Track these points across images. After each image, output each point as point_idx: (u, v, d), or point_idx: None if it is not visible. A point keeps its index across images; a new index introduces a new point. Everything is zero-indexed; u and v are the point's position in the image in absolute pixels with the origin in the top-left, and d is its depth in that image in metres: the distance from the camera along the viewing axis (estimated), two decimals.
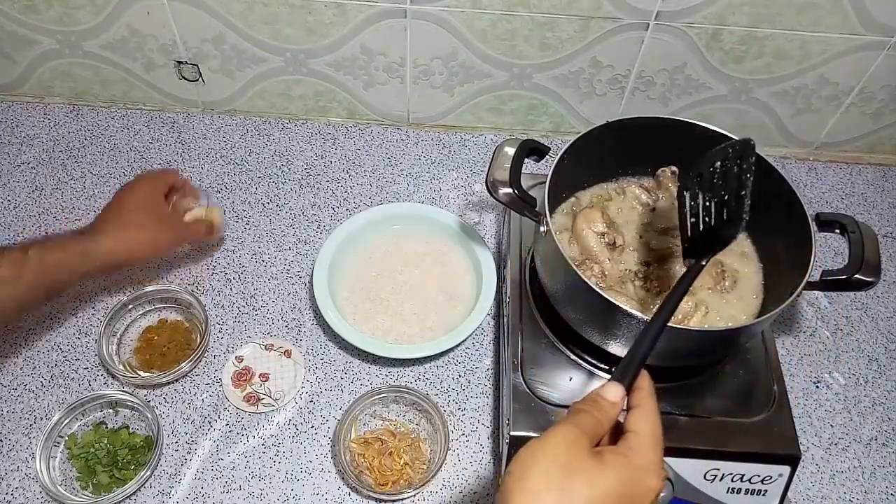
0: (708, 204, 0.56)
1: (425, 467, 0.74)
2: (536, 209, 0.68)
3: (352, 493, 0.73)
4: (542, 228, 0.66)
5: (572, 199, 0.77)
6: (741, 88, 0.98)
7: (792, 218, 0.66)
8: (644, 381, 0.46)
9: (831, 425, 0.81)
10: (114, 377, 0.80)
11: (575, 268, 0.61)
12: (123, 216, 0.77)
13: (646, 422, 0.44)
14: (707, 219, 0.55)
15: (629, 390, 0.45)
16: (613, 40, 0.92)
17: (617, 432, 0.45)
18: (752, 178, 0.52)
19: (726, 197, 0.54)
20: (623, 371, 0.46)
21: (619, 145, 0.72)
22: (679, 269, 0.71)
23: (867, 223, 0.70)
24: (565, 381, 0.69)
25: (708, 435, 0.64)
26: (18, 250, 0.68)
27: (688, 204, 0.58)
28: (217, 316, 0.86)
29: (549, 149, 0.72)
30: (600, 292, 0.59)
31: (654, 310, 0.65)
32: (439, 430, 0.74)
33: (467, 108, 1.04)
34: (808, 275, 0.61)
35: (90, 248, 0.73)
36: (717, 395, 0.68)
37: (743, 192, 0.52)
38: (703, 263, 0.54)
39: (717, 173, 0.55)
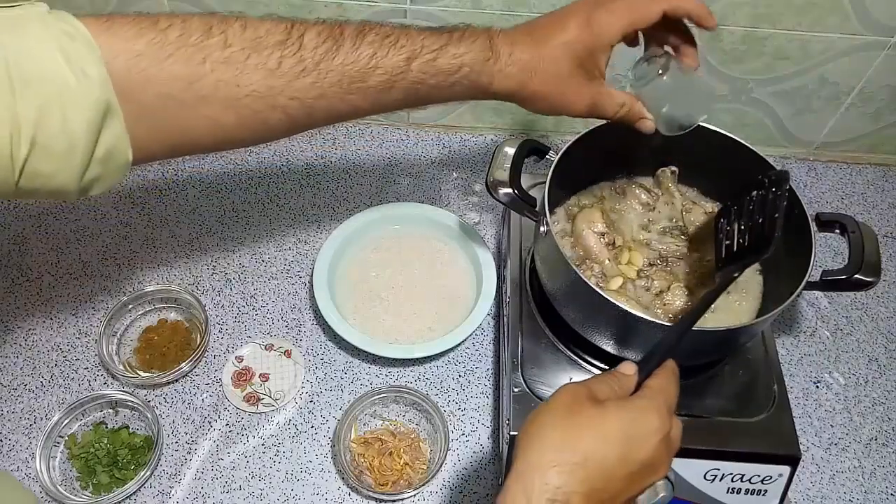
0: (742, 228, 0.61)
1: (425, 467, 0.74)
2: (536, 209, 0.68)
3: (352, 493, 0.73)
4: (542, 228, 0.66)
5: (572, 199, 0.77)
6: (741, 88, 0.98)
7: (792, 218, 0.65)
8: (669, 361, 0.49)
9: (831, 425, 0.81)
10: (114, 377, 0.80)
11: (575, 268, 0.61)
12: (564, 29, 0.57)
13: (658, 379, 0.47)
14: (741, 240, 0.61)
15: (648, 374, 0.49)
16: None
17: None
18: (784, 203, 0.57)
19: (760, 220, 0.59)
20: (643, 361, 0.50)
21: (619, 145, 0.72)
22: (678, 269, 0.71)
23: (867, 223, 0.70)
24: (565, 381, 0.68)
25: (708, 435, 0.64)
26: (321, 25, 0.51)
27: (724, 230, 0.63)
28: (217, 316, 0.86)
29: (549, 149, 0.72)
30: (600, 292, 0.59)
31: (658, 312, 0.67)
32: (439, 430, 0.74)
33: (468, 108, 1.04)
34: (808, 275, 0.61)
35: (473, 56, 0.55)
36: (717, 395, 0.68)
37: (776, 215, 0.57)
38: (736, 275, 0.58)
39: (754, 201, 0.61)
